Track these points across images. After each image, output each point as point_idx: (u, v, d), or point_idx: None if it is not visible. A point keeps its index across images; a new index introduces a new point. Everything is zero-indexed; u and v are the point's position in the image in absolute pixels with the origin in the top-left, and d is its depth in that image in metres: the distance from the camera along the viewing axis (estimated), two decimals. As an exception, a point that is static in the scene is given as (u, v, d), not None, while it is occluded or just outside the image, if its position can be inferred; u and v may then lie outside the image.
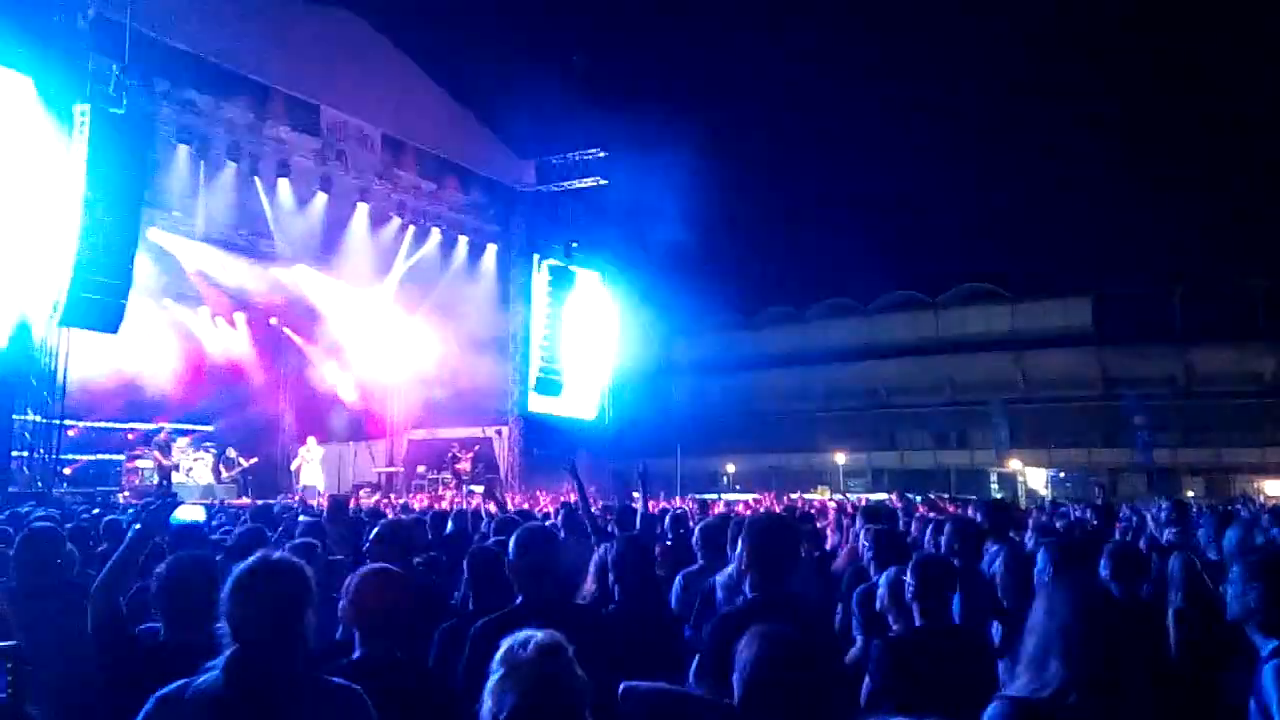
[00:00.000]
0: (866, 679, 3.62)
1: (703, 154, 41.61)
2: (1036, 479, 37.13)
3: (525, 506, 13.27)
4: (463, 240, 24.29)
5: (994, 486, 36.14)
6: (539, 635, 1.99)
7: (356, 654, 2.87)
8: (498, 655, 1.99)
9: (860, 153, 42.79)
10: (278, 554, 2.39)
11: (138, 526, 3.13)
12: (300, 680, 2.28)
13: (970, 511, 9.20)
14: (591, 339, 27.78)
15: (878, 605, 4.25)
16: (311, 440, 20.90)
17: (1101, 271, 35.88)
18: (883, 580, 4.26)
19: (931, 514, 9.32)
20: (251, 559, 2.32)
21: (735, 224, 37.43)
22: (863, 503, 11.20)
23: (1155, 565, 5.01)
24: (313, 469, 20.46)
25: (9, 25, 13.79)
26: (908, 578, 3.83)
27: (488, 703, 1.94)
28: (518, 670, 1.94)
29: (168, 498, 3.43)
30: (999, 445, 35.71)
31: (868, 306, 41.23)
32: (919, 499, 13.06)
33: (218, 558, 3.60)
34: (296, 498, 17.73)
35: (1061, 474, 36.67)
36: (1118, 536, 7.51)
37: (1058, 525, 8.99)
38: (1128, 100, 38.68)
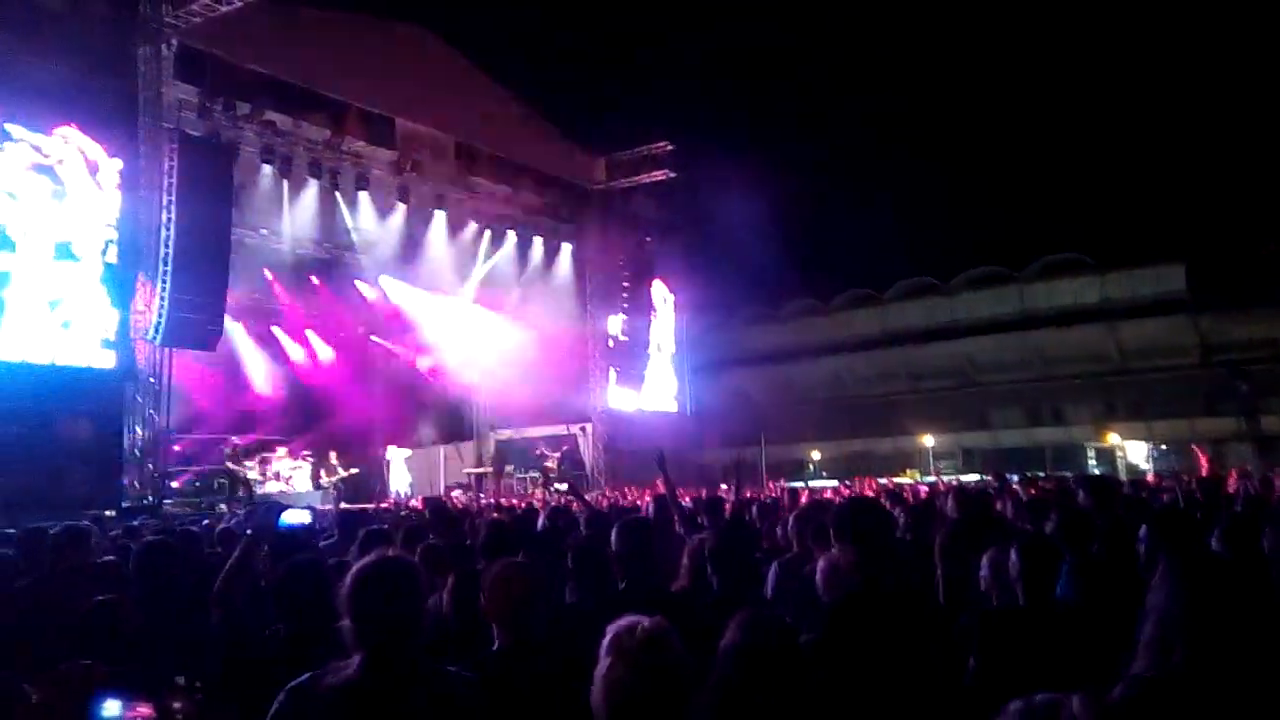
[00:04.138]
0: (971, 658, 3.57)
1: (772, 136, 41.31)
2: (1136, 452, 35.90)
3: (616, 503, 13.40)
4: (538, 241, 24.58)
5: (1091, 462, 35.08)
6: (646, 621, 2.03)
7: (496, 645, 2.96)
8: (605, 641, 2.04)
9: (931, 123, 41.95)
10: (393, 553, 2.49)
11: (249, 532, 3.27)
12: (423, 671, 2.37)
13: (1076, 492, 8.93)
14: (668, 331, 27.86)
15: (981, 586, 4.19)
16: (391, 447, 21.44)
17: (1193, 235, 34.46)
18: (984, 560, 4.20)
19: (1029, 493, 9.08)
20: (369, 558, 2.41)
21: (805, 208, 37.01)
22: (953, 485, 10.99)
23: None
24: (400, 473, 20.96)
25: (99, 59, 14.41)
26: (1012, 557, 3.77)
27: (598, 687, 1.98)
28: (627, 655, 1.98)
29: (257, 504, 3.59)
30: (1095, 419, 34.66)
31: (948, 284, 40.36)
32: (1015, 479, 12.73)
33: (332, 560, 3.73)
34: (391, 502, 18.21)
35: (1163, 446, 35.38)
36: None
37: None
38: (1214, 49, 37.10)
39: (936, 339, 38.73)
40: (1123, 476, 25.16)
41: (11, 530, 7.05)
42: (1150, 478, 17.92)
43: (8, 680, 2.38)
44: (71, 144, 13.99)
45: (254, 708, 2.40)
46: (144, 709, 1.62)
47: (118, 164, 14.62)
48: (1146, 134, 37.90)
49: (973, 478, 22.36)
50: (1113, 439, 35.06)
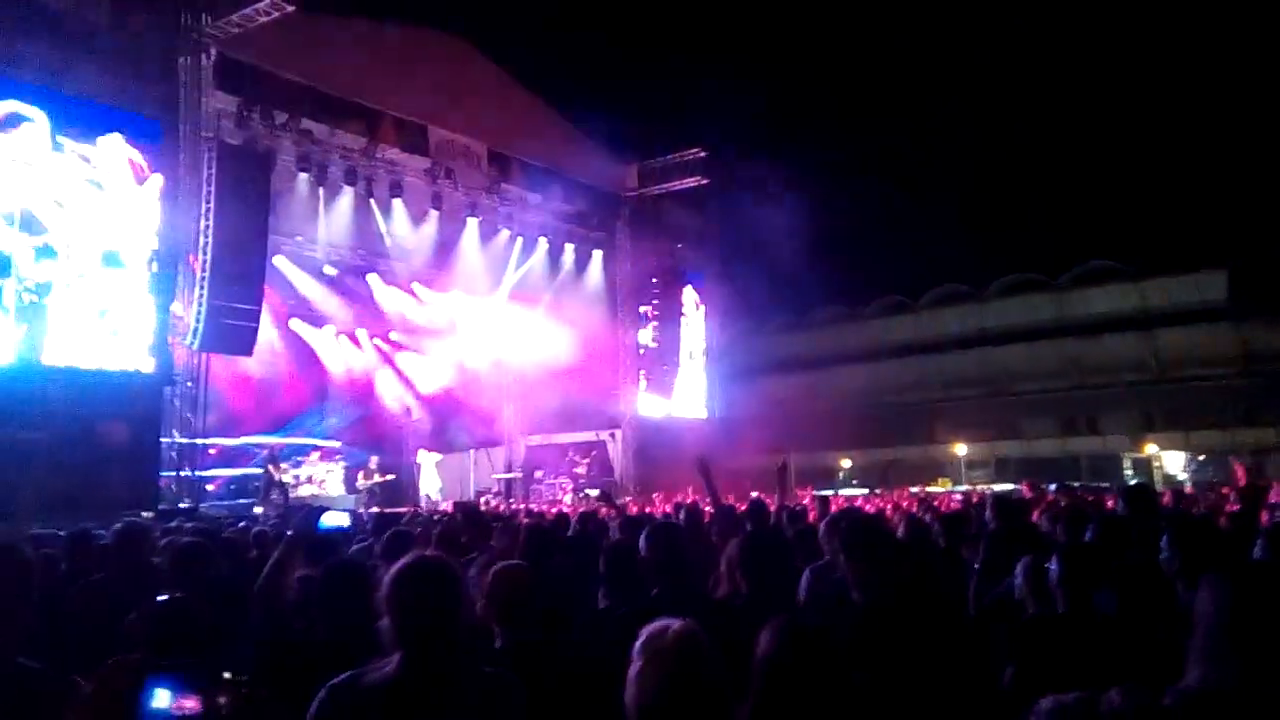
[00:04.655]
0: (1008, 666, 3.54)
1: (805, 142, 41.20)
2: (1174, 463, 35.34)
3: (644, 509, 13.39)
4: (569, 248, 24.68)
5: (1128, 472, 34.57)
6: (677, 624, 2.05)
7: (498, 643, 2.99)
8: (638, 644, 2.05)
9: (966, 128, 41.57)
10: (430, 553, 2.52)
11: (290, 533, 3.32)
12: (463, 670, 2.39)
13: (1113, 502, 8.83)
14: (698, 338, 27.86)
15: (1016, 594, 4.15)
16: (422, 451, 21.59)
17: (1236, 241, 33.89)
18: (1019, 568, 4.16)
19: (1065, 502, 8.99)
20: (407, 559, 2.45)
21: (838, 214, 36.83)
22: (989, 494, 10.89)
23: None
24: (431, 478, 21.11)
25: (141, 69, 14.67)
26: (1052, 564, 3.73)
27: (631, 689, 1.99)
28: (658, 657, 1.99)
29: (291, 507, 3.65)
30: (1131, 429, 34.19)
31: (982, 291, 40.00)
32: (1053, 487, 12.60)
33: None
34: (421, 506, 18.33)
35: (1201, 457, 34.80)
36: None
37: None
38: (1259, 54, 36.52)
39: (970, 347, 38.43)
40: (1160, 487, 24.80)
41: (56, 532, 7.18)
42: (1188, 489, 17.67)
43: (59, 674, 2.43)
44: (116, 153, 14.24)
45: (293, 706, 2.43)
46: (190, 701, 1.64)
47: (159, 173, 14.85)
48: (1189, 139, 37.34)
49: (1006, 487, 22.14)
50: (1150, 449, 34.56)
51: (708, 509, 7.89)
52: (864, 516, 5.67)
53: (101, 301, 13.92)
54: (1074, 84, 39.57)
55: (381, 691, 2.28)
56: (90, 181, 13.87)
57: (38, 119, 13.28)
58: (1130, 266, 37.02)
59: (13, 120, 13.04)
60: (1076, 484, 20.40)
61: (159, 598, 2.93)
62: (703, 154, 25.11)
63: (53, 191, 13.43)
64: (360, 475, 19.67)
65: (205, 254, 15.30)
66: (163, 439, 15.28)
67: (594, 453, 24.42)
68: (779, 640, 2.37)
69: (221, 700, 1.67)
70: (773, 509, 7.28)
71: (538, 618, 3.15)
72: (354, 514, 9.24)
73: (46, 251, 13.31)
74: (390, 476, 20.17)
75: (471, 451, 24.75)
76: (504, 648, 3.00)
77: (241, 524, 9.30)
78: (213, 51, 15.92)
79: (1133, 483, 24.30)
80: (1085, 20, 38.89)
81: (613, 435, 25.39)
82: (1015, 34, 39.88)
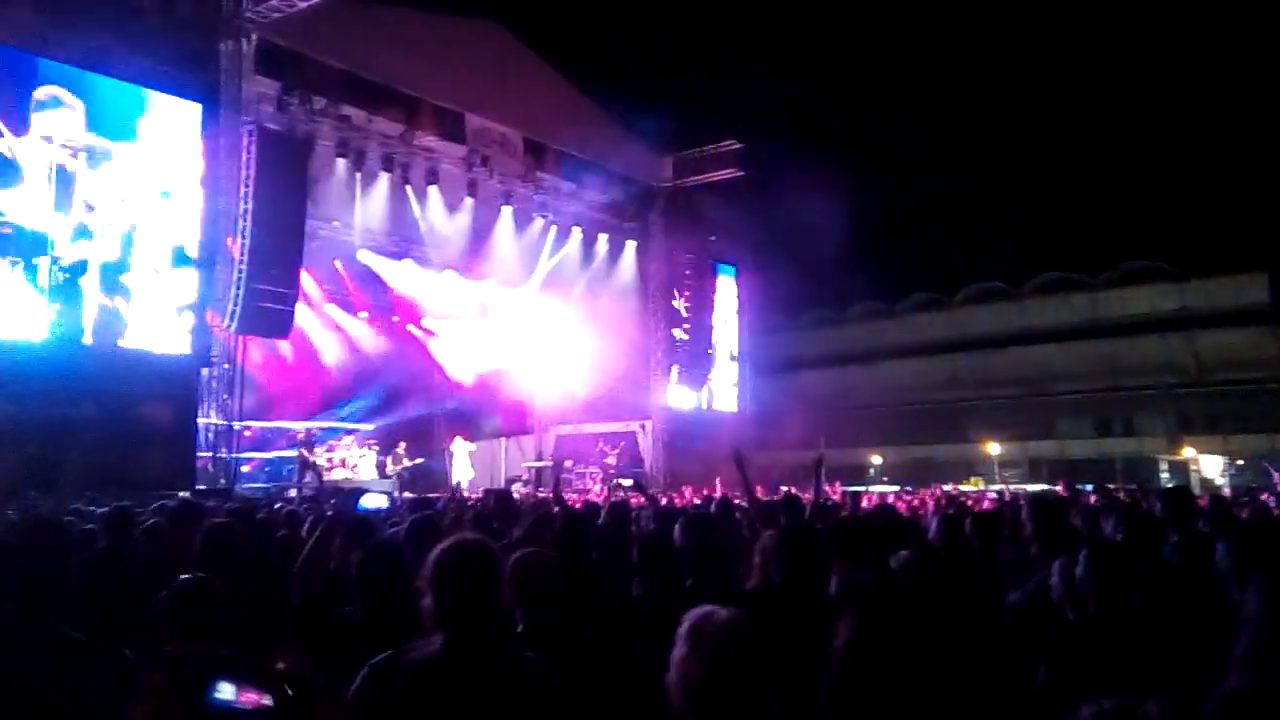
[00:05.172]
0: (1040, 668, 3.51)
1: (841, 137, 40.87)
2: (1211, 467, 34.81)
3: (674, 501, 13.39)
4: (602, 238, 24.69)
5: (1164, 475, 34.10)
6: (721, 611, 2.05)
7: (520, 627, 3.01)
8: (681, 630, 2.06)
9: (1003, 125, 41.08)
10: (471, 535, 2.54)
11: (330, 514, 3.35)
12: (502, 652, 2.41)
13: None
14: (730, 331, 27.80)
15: (1052, 596, 4.11)
16: (458, 439, 21.72)
17: (1278, 245, 33.27)
18: (1054, 568, 4.12)
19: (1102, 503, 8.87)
20: (450, 541, 2.47)
21: (873, 208, 36.56)
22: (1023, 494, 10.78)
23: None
24: (462, 465, 21.24)
25: (183, 55, 14.83)
26: (1081, 564, 3.69)
27: (674, 675, 2.00)
28: (703, 644, 2.00)
29: (323, 489, 3.68)
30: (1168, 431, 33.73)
31: (1019, 289, 39.57)
32: (1089, 488, 12.45)
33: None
34: (452, 493, 18.41)
35: (1240, 462, 34.25)
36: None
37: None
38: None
39: (1006, 345, 38.04)
40: (1197, 492, 24.40)
41: (95, 509, 7.30)
42: (1226, 493, 17.39)
43: (105, 644, 2.47)
44: (156, 137, 14.41)
45: (331, 685, 2.45)
46: (254, 695, 1.65)
47: (200, 157, 15.01)
48: (1236, 141, 36.68)
49: (1039, 488, 21.91)
50: (1187, 453, 34.08)
51: (737, 501, 7.88)
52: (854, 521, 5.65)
53: (140, 283, 14.10)
54: (1121, 80, 38.99)
55: (423, 671, 2.30)
56: (129, 165, 14.03)
57: (76, 104, 13.43)
58: (1171, 267, 36.46)
59: (52, 103, 13.21)
60: (1112, 486, 20.10)
61: (182, 577, 2.96)
62: (738, 146, 25.00)
63: (92, 175, 13.60)
64: (389, 461, 19.82)
65: (244, 237, 15.45)
66: (200, 420, 15.48)
67: (623, 443, 24.46)
68: (865, 627, 2.37)
69: (288, 692, 1.67)
70: (806, 504, 7.25)
71: (562, 604, 3.15)
72: (392, 496, 9.32)
73: (82, 232, 13.49)
74: (419, 461, 20.31)
75: (502, 440, 24.89)
76: (524, 631, 3.01)
77: (277, 506, 9.40)
78: (254, 37, 16.04)
79: (1170, 485, 23.93)
80: (1135, 16, 38.24)
81: (643, 427, 25.41)
82: (1059, 29, 39.34)
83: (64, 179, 13.28)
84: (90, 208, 13.57)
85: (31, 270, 12.93)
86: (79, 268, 13.40)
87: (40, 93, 13.11)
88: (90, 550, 4.69)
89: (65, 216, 13.29)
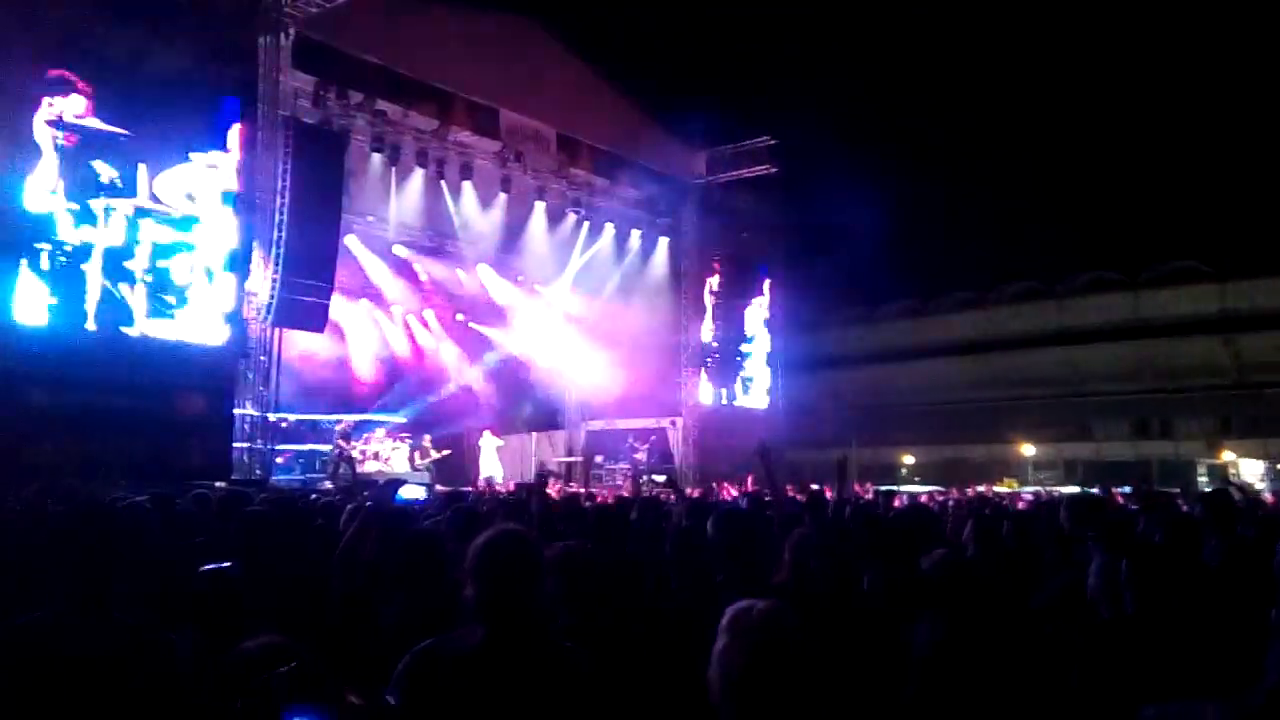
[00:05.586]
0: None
1: (875, 133, 40.57)
2: (1251, 471, 34.21)
3: (705, 497, 13.37)
4: (635, 234, 24.68)
5: (1202, 479, 33.59)
6: (762, 603, 2.06)
7: (563, 621, 3.02)
8: (724, 622, 2.06)
9: (1043, 118, 40.53)
10: (513, 527, 2.56)
11: (369, 504, 3.38)
12: (542, 641, 2.42)
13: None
14: (762, 328, 27.72)
15: (1089, 595, 4.07)
16: (487, 433, 21.84)
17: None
18: (1092, 568, 4.08)
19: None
20: (492, 531, 2.49)
21: (908, 205, 36.22)
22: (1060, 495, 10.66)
23: None
24: (491, 460, 21.35)
25: (220, 49, 14.95)
26: (1122, 564, 3.65)
27: (716, 667, 2.01)
28: (746, 635, 2.01)
29: (356, 481, 3.70)
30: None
31: (1057, 288, 39.09)
32: (1127, 490, 12.29)
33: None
34: (485, 487, 18.53)
35: (1280, 466, 33.64)
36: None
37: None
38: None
39: (1042, 345, 37.63)
40: (1236, 496, 23.93)
41: (135, 496, 7.40)
42: (1268, 498, 17.10)
43: (157, 629, 2.51)
44: (192, 132, 14.54)
45: (372, 673, 2.48)
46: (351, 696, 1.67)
47: (236, 151, 15.15)
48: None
49: (1075, 490, 21.66)
50: (1226, 456, 33.56)
51: (767, 498, 7.87)
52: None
53: (181, 275, 14.24)
54: (1164, 78, 38.33)
55: (466, 659, 2.32)
56: (165, 159, 14.11)
57: (108, 94, 13.47)
58: (1212, 268, 35.87)
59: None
60: (1147, 486, 19.84)
61: (204, 568, 2.99)
62: (772, 141, 24.89)
63: (132, 169, 13.71)
64: (416, 454, 19.96)
65: (280, 231, 15.62)
66: (235, 411, 15.65)
67: (653, 439, 24.47)
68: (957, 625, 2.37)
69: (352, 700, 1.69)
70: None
71: (598, 598, 3.16)
72: (429, 488, 9.41)
73: (131, 223, 13.59)
74: (446, 452, 20.42)
75: (533, 435, 25.00)
76: (568, 625, 3.02)
77: (313, 497, 9.50)
78: (291, 31, 16.18)
79: (1209, 489, 23.53)
80: (1181, 10, 37.57)
81: (673, 423, 25.39)
82: (1099, 23, 38.76)
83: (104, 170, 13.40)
84: (128, 201, 13.68)
85: (78, 259, 13.07)
86: (118, 256, 13.49)
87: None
88: (138, 536, 4.76)
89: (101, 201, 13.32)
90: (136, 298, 13.73)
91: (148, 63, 13.82)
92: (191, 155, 14.43)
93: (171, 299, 14.14)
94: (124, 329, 13.59)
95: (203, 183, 14.58)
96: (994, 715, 2.57)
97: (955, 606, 2.64)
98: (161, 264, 13.99)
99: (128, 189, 13.62)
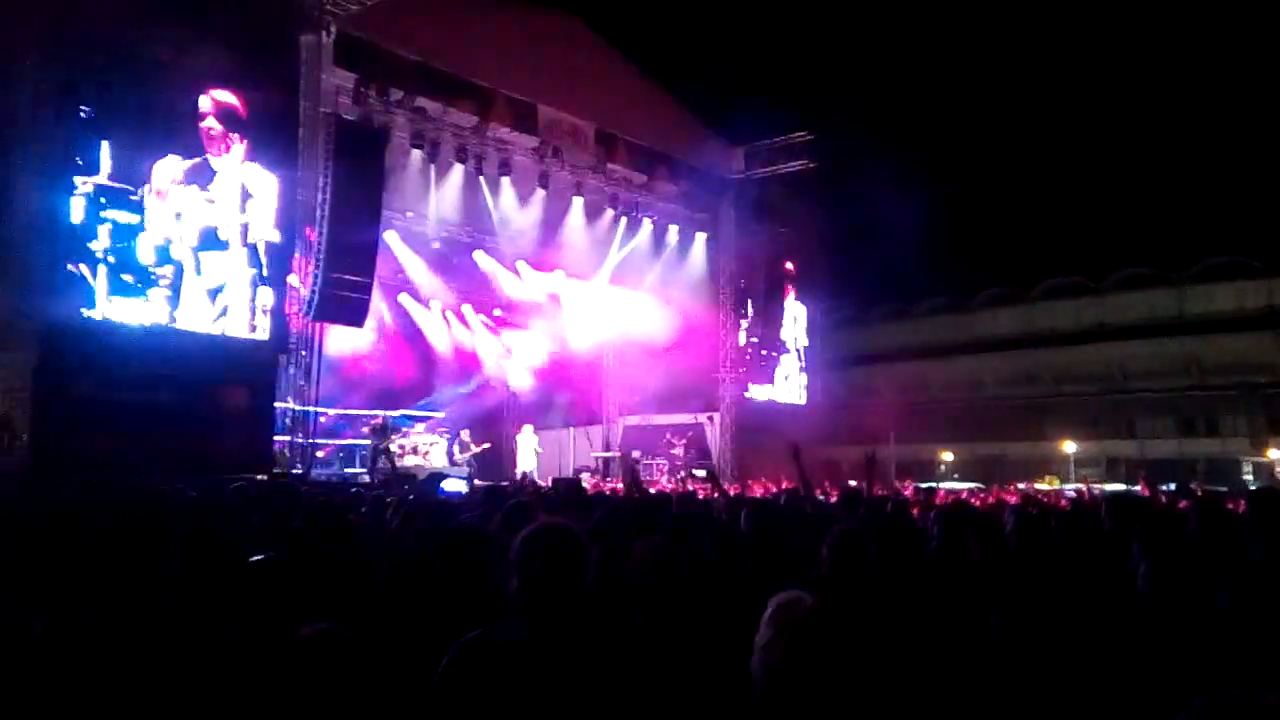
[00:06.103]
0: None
1: (913, 129, 40.22)
2: (1299, 470, 33.49)
3: (743, 493, 13.35)
4: (673, 229, 24.66)
5: (1248, 477, 32.96)
6: (806, 596, 2.07)
7: (639, 619, 3.03)
8: (767, 614, 2.07)
9: (1084, 113, 39.90)
10: (558, 519, 2.58)
11: (413, 497, 3.43)
12: (588, 634, 2.44)
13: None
14: (800, 323, 27.60)
15: (1139, 588, 4.03)
16: (527, 428, 21.95)
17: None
18: (1141, 569, 4.03)
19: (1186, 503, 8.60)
20: (538, 524, 2.51)
21: (947, 200, 35.85)
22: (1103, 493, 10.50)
23: None
24: (528, 454, 21.46)
25: (263, 46, 15.12)
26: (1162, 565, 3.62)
27: (759, 658, 2.02)
28: (791, 626, 2.02)
29: (395, 475, 3.73)
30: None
31: (1099, 284, 38.49)
32: (1171, 487, 12.06)
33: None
34: (519, 481, 18.64)
35: (1330, 464, 32.89)
36: None
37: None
38: None
39: (1084, 341, 37.09)
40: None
41: (180, 488, 7.53)
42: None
43: (207, 616, 2.56)
44: (234, 130, 14.74)
45: (416, 662, 2.51)
46: None
47: (277, 148, 15.32)
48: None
49: (1118, 488, 21.37)
50: (1273, 454, 32.89)
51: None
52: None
53: (224, 273, 14.44)
54: (1205, 70, 37.59)
55: (513, 650, 2.34)
56: (206, 159, 14.30)
57: (156, 96, 13.68)
58: (1259, 263, 35.12)
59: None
60: (1193, 484, 19.46)
61: (252, 558, 3.02)
62: (810, 137, 24.74)
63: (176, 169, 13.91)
64: (456, 449, 20.10)
65: (321, 227, 15.80)
66: (276, 405, 15.86)
67: (691, 435, 24.48)
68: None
69: None
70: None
71: (681, 599, 3.14)
72: (470, 482, 9.50)
73: (174, 219, 13.78)
74: (485, 446, 20.54)
75: (570, 430, 25.09)
76: (641, 625, 3.02)
77: (353, 490, 9.61)
78: (333, 29, 16.35)
79: (1257, 487, 23.08)
80: (1227, 6, 36.83)
81: (710, 419, 25.38)
82: (1134, 19, 38.11)
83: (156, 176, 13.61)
84: (182, 203, 13.90)
85: (126, 255, 13.30)
86: (163, 253, 13.71)
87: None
88: (187, 525, 4.85)
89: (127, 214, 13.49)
90: (190, 292, 13.99)
91: (185, 61, 13.89)
92: (234, 150, 14.63)
93: (228, 297, 14.36)
94: (172, 322, 13.83)
95: (248, 179, 14.78)
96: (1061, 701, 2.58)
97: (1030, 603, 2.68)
98: (204, 256, 14.20)
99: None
